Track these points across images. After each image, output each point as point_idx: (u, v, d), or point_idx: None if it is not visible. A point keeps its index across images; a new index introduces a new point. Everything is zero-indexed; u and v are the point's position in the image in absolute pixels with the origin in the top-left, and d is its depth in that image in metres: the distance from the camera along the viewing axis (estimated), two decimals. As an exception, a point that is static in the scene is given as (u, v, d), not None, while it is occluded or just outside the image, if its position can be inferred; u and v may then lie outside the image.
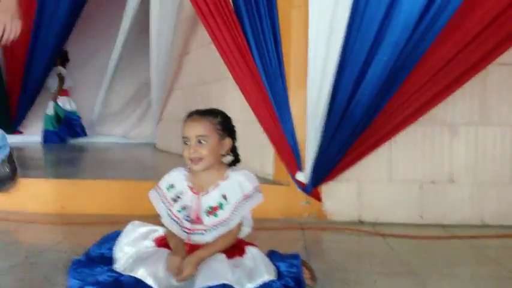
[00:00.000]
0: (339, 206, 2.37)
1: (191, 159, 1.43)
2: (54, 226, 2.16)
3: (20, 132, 5.65)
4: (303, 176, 2.29)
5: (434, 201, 2.34)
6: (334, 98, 2.04)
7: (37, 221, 2.21)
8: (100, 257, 1.53)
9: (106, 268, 1.43)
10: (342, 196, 2.38)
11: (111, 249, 1.53)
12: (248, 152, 2.76)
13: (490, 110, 2.29)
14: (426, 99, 2.00)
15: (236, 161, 1.56)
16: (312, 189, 2.30)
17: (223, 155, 1.51)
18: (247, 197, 1.44)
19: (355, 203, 2.37)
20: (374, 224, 2.29)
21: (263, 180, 2.60)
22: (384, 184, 2.36)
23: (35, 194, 2.46)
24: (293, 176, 2.33)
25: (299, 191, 2.36)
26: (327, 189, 2.36)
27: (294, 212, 2.38)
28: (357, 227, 2.23)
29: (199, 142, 1.41)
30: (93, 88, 5.65)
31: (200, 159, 1.42)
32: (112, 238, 1.58)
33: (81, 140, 5.62)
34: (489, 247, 1.97)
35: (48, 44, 5.24)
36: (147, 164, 3.83)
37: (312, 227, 2.23)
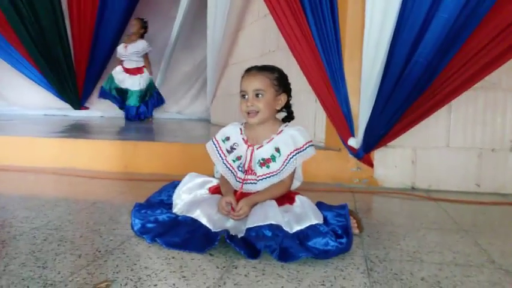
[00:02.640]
0: (391, 173, 2.35)
1: (248, 112, 1.49)
2: (119, 181, 2.33)
3: (87, 108, 6.03)
4: (355, 142, 2.28)
5: (493, 170, 2.26)
6: (390, 60, 2.00)
7: (103, 177, 2.39)
8: (160, 203, 1.65)
9: (165, 210, 1.54)
10: (395, 163, 2.35)
11: (170, 196, 1.65)
12: (301, 120, 2.80)
13: (559, 75, 2.16)
14: (487, 61, 1.91)
15: (290, 117, 1.61)
16: (363, 155, 2.30)
17: (278, 111, 1.57)
18: (299, 151, 1.49)
19: (408, 170, 2.34)
20: (428, 191, 2.25)
21: (315, 147, 2.63)
22: (440, 151, 2.31)
23: (102, 154, 2.67)
24: (345, 142, 2.34)
25: (350, 157, 2.36)
26: (379, 156, 2.35)
27: (345, 177, 2.39)
28: (410, 192, 2.20)
29: (256, 96, 1.48)
30: (154, 67, 5.88)
31: (256, 112, 1.48)
32: (171, 187, 1.70)
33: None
34: (551, 215, 1.88)
35: (112, 22, 5.54)
36: (201, 134, 3.97)
37: (363, 191, 2.23)
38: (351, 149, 2.32)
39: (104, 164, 2.63)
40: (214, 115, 5.11)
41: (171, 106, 6.07)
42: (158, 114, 5.90)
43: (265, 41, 3.47)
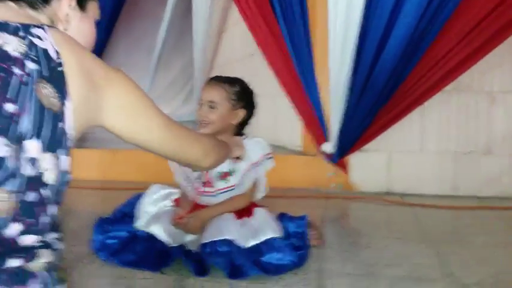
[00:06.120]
0: (366, 177, 2.34)
1: (200, 122, 1.47)
2: (94, 191, 2.32)
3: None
4: (329, 147, 2.27)
5: (469, 173, 2.24)
6: (357, 65, 1.99)
7: (79, 187, 2.37)
8: (124, 216, 1.64)
9: (127, 225, 1.53)
10: (370, 167, 2.34)
11: (134, 208, 1.64)
12: (278, 125, 2.79)
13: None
14: (455, 63, 1.89)
15: (239, 133, 1.54)
16: (338, 159, 2.28)
17: (236, 125, 1.53)
18: (255, 165, 1.46)
19: (384, 174, 2.33)
20: (403, 195, 2.24)
21: (292, 151, 2.62)
22: (416, 155, 2.29)
23: (79, 163, 2.65)
24: (319, 147, 2.32)
25: (326, 162, 2.34)
26: (354, 160, 2.33)
27: (320, 182, 2.37)
28: (385, 198, 2.19)
29: (210, 107, 1.45)
30: (141, 70, 5.84)
31: (208, 123, 1.45)
32: (136, 199, 1.68)
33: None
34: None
35: (99, 22, 5.49)
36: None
37: (337, 196, 2.22)
38: (325, 154, 2.31)
39: (82, 173, 2.61)
40: (202, 117, 5.10)
41: (161, 108, 6.03)
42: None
43: (246, 44, 3.45)
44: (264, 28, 2.33)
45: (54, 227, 0.68)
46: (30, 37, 0.62)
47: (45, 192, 0.61)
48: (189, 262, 1.23)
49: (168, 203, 1.62)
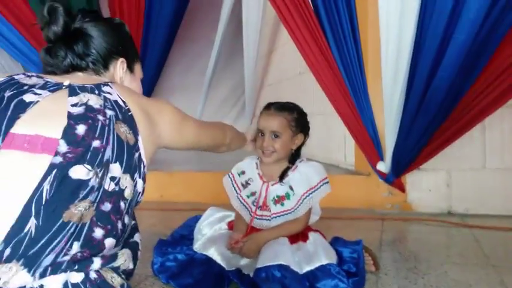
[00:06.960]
0: (425, 197, 2.26)
1: (263, 152, 1.50)
2: (152, 212, 2.43)
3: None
4: (384, 166, 2.22)
5: (536, 192, 2.11)
6: (411, 82, 1.94)
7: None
8: (182, 238, 1.70)
9: (185, 247, 1.59)
10: (429, 186, 2.26)
11: (192, 231, 1.70)
12: (330, 144, 2.78)
13: None
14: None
15: (296, 155, 1.57)
16: (394, 179, 2.23)
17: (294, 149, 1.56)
18: (313, 189, 1.47)
19: (444, 194, 2.24)
20: (464, 216, 2.14)
21: (345, 171, 2.59)
22: (477, 173, 2.19)
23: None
24: (373, 166, 2.28)
25: (381, 181, 2.30)
26: (412, 180, 2.27)
27: (376, 203, 2.33)
28: (444, 218, 2.10)
29: (274, 136, 1.48)
30: (195, 90, 6.04)
31: (272, 152, 1.48)
32: (193, 221, 1.75)
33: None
34: None
35: (156, 48, 5.69)
36: (238, 159, 4.00)
37: (394, 217, 2.16)
38: (380, 174, 2.26)
39: (140, 194, 2.74)
40: (254, 135, 5.16)
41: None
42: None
43: (295, 63, 3.49)
44: (313, 48, 2.34)
45: (130, 233, 0.91)
46: (103, 93, 0.85)
47: (123, 204, 0.81)
48: (244, 286, 1.26)
49: (223, 226, 1.67)
